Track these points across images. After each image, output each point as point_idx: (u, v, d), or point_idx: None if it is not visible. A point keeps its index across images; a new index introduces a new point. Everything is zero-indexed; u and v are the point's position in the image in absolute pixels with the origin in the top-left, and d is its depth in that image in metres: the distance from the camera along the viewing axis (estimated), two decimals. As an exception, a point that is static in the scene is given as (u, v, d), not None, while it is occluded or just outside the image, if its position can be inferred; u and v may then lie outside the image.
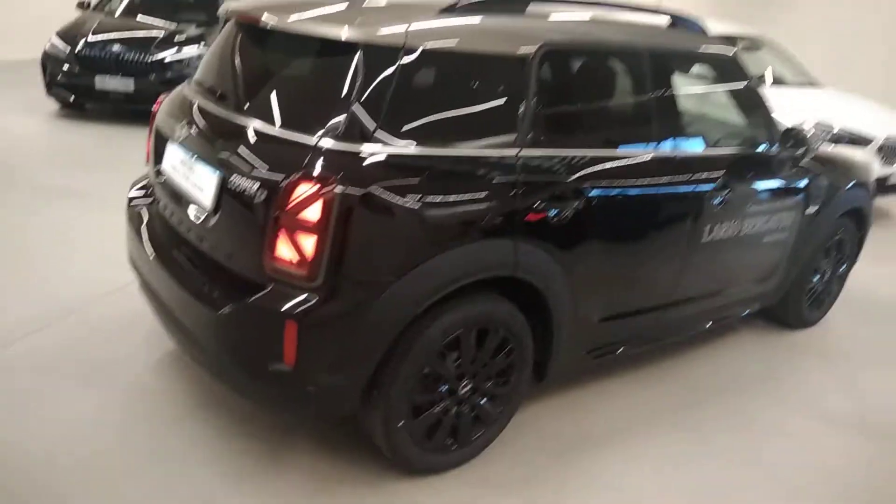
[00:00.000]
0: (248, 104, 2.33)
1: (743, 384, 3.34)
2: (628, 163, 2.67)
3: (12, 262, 3.79)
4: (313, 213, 1.96)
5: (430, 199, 2.10)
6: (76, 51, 7.00)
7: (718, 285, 3.28)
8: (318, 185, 1.95)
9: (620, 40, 2.75)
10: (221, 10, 2.54)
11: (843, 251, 4.01)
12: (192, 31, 7.47)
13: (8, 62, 9.52)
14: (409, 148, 2.11)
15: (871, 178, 4.02)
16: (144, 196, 2.85)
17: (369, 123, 2.05)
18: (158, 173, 2.65)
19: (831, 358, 3.72)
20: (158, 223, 2.65)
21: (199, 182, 2.31)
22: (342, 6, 2.34)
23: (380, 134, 2.06)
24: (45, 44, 7.23)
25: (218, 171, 2.20)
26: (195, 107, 2.48)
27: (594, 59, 2.86)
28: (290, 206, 1.97)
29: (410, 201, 2.06)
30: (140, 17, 7.82)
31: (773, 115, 3.30)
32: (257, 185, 2.05)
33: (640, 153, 2.72)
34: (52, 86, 7.16)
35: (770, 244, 3.38)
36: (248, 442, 2.52)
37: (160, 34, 7.28)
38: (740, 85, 3.25)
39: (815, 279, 3.89)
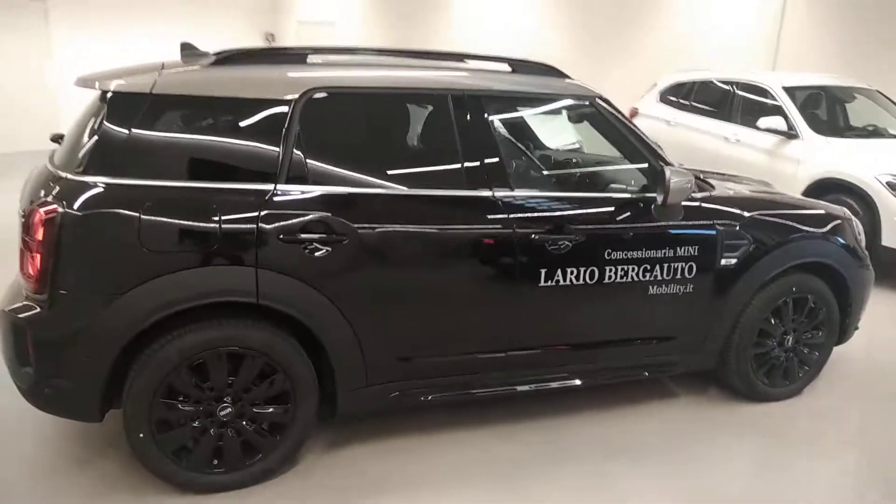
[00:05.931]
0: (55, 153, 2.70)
1: (620, 450, 2.99)
2: (404, 201, 2.68)
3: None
4: (38, 233, 2.28)
5: (151, 225, 2.32)
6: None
7: (583, 337, 3.03)
8: (43, 210, 2.28)
9: (413, 84, 2.78)
10: None
11: (814, 315, 3.45)
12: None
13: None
14: (137, 179, 2.35)
15: (842, 228, 3.44)
16: None
17: (107, 159, 2.35)
18: None
19: (776, 439, 3.17)
20: None
21: None
22: (146, 65, 2.69)
23: (114, 167, 2.34)
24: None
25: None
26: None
27: (373, 103, 2.85)
28: (28, 228, 2.32)
29: (130, 226, 2.30)
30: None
31: (656, 159, 3.03)
32: (22, 214, 2.43)
33: (422, 191, 2.72)
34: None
35: (662, 297, 3.05)
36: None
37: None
38: (607, 126, 3.05)
39: (769, 344, 3.39)
